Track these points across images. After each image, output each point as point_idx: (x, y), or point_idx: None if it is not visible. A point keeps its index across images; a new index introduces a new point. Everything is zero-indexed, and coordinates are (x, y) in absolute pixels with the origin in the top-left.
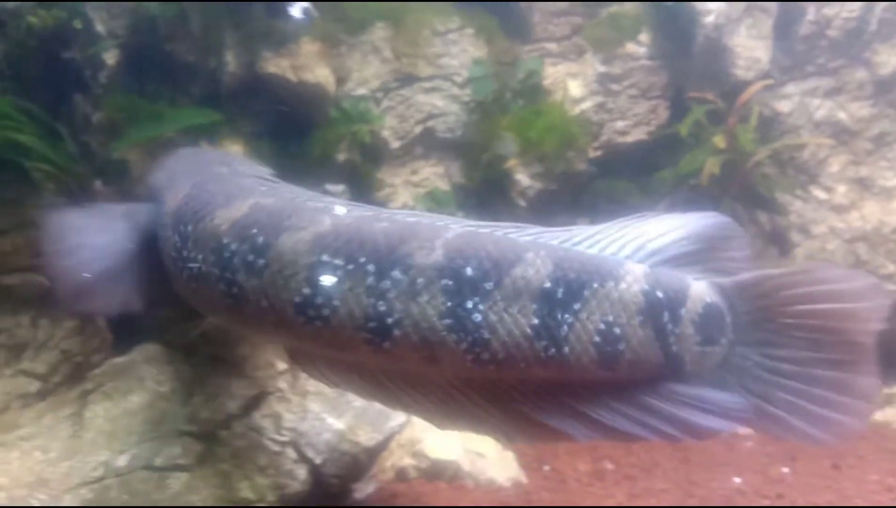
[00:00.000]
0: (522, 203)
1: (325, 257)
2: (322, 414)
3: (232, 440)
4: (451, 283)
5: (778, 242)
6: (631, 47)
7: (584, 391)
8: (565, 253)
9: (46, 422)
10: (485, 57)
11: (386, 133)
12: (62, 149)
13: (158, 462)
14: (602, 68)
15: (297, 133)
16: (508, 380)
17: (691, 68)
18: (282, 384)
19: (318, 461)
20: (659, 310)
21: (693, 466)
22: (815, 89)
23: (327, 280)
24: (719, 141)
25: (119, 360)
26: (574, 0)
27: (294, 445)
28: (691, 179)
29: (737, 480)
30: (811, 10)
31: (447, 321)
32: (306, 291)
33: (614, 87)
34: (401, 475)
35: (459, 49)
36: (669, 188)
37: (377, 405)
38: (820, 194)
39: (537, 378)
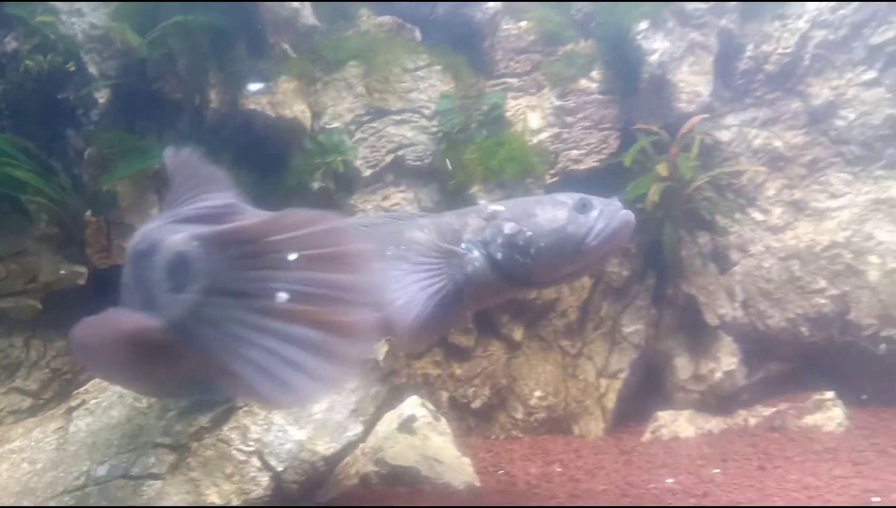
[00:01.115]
0: None
1: None
2: (285, 426)
3: (202, 451)
4: None
5: (718, 260)
6: (584, 83)
7: None
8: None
9: (35, 436)
10: (452, 91)
11: (358, 162)
12: (55, 183)
13: (135, 471)
14: (558, 102)
15: (275, 164)
16: None
17: (639, 102)
18: None
19: (279, 468)
20: (141, 260)
21: (634, 468)
22: (753, 120)
23: None
24: (662, 169)
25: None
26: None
27: (259, 454)
28: (638, 203)
29: (670, 480)
30: (750, 46)
31: None
32: None
33: (569, 119)
34: (364, 480)
35: (428, 84)
36: None
37: (336, 417)
38: (757, 216)
39: None
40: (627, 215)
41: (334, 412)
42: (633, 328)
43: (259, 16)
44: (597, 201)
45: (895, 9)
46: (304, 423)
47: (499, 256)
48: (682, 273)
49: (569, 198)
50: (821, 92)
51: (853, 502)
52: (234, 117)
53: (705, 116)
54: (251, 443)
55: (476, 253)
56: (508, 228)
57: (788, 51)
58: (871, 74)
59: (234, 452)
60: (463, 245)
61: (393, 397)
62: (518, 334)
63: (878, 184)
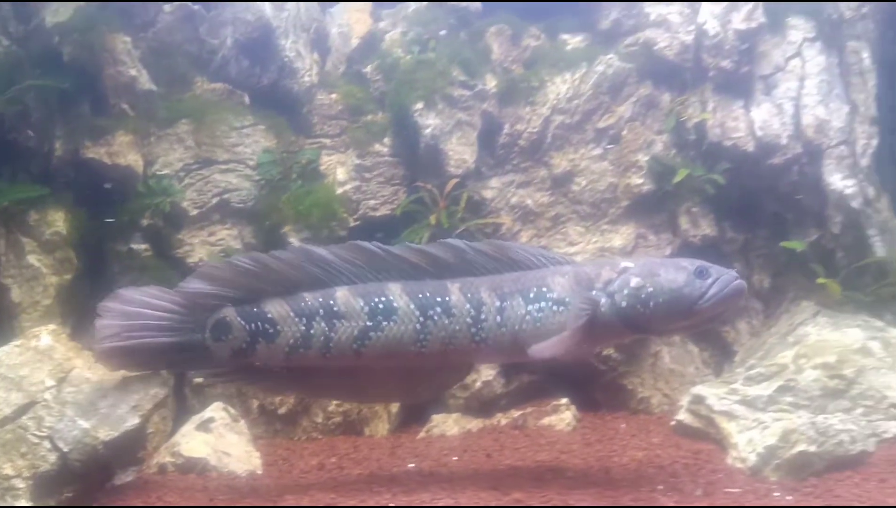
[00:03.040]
0: None
1: None
2: (75, 417)
3: (3, 435)
4: None
5: None
6: (378, 147)
7: None
8: None
9: None
10: (273, 147)
11: (185, 204)
12: None
13: None
14: (358, 161)
15: (111, 203)
16: None
17: (420, 164)
18: (48, 395)
19: (66, 449)
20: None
21: (393, 458)
22: (511, 182)
23: None
24: (432, 219)
25: None
26: None
27: (50, 439)
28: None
29: (411, 465)
30: (507, 125)
31: None
32: None
33: (367, 175)
34: (161, 469)
35: (252, 140)
36: None
37: (118, 412)
38: None
39: None
40: (740, 285)
41: (116, 408)
42: None
43: (102, 80)
44: (714, 270)
45: (616, 100)
46: (90, 415)
47: (623, 304)
48: None
49: (690, 264)
50: (561, 163)
51: (534, 475)
52: (77, 163)
53: (457, 179)
54: (45, 430)
55: (604, 300)
56: (634, 282)
57: (536, 130)
58: (598, 151)
59: (29, 436)
60: (594, 292)
61: (205, 403)
62: None
63: (603, 235)
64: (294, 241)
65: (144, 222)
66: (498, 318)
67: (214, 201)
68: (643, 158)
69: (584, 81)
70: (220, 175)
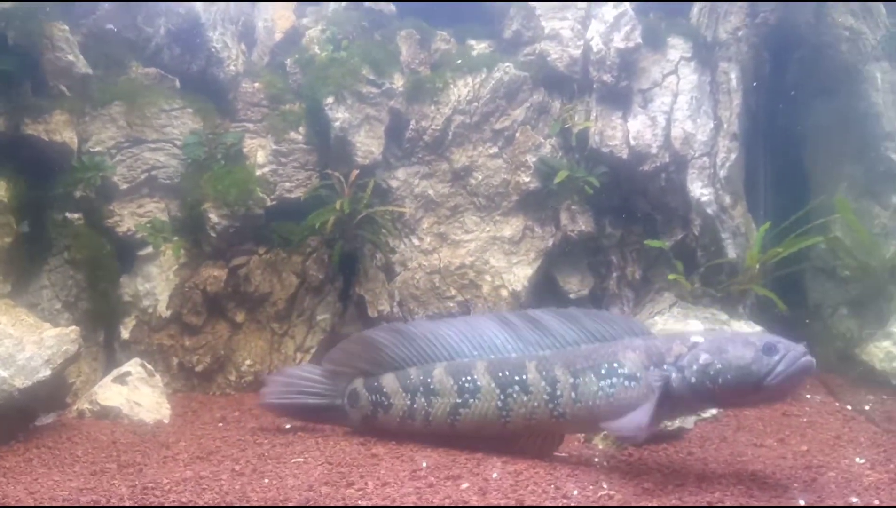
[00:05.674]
0: (213, 234)
1: None
2: None
3: None
4: None
5: (387, 271)
6: (294, 134)
7: None
8: None
9: None
10: (199, 129)
11: (116, 178)
12: None
13: None
14: (275, 146)
15: (47, 176)
16: None
17: (330, 153)
18: None
19: None
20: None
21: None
22: (416, 173)
23: None
24: (338, 204)
25: None
26: None
27: None
28: (321, 226)
29: (297, 422)
30: (412, 122)
31: None
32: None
33: (283, 160)
34: (80, 414)
35: (180, 122)
36: (309, 232)
37: (33, 364)
38: (415, 242)
39: None
40: (808, 361)
41: (32, 361)
42: (323, 316)
43: (42, 64)
44: (783, 346)
45: (512, 104)
46: (9, 366)
47: (693, 380)
48: (358, 279)
49: (759, 340)
50: (461, 158)
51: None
52: (18, 139)
53: (358, 170)
54: None
55: (675, 375)
56: (703, 359)
57: (439, 128)
58: (494, 149)
59: None
60: (665, 366)
61: (130, 357)
62: (240, 317)
63: (496, 225)
64: (213, 217)
65: (78, 194)
66: (573, 394)
67: (143, 176)
68: (532, 159)
69: (483, 85)
70: (150, 153)
